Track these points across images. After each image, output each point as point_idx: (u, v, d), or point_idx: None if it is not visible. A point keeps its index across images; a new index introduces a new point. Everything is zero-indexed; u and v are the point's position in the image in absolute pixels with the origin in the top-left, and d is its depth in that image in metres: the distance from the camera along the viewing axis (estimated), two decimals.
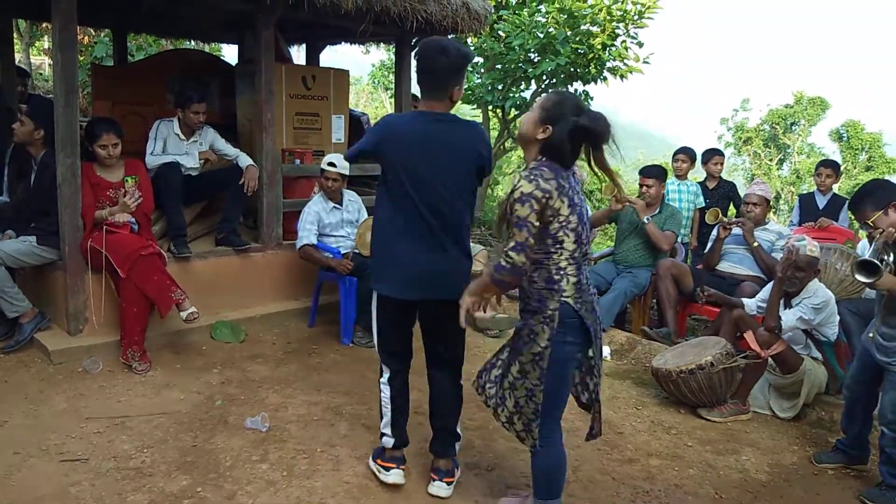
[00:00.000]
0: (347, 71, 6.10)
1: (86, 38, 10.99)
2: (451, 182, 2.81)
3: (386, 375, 3.07)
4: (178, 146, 4.97)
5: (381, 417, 3.11)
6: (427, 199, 2.79)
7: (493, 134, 9.59)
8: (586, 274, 2.60)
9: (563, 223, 2.48)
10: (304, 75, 5.79)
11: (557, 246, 2.50)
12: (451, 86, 2.81)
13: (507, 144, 9.75)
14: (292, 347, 4.80)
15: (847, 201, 5.98)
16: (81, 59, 10.67)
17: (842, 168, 27.52)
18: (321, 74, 5.90)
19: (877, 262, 2.97)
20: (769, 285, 4.23)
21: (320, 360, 4.58)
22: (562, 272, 2.51)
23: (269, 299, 5.27)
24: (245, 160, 5.10)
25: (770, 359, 3.95)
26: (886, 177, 27.77)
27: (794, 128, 31.03)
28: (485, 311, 2.73)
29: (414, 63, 2.82)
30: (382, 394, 3.08)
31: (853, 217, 3.30)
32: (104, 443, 3.33)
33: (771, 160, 30.91)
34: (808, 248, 3.94)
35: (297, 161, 5.51)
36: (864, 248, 4.22)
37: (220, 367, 4.36)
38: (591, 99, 9.05)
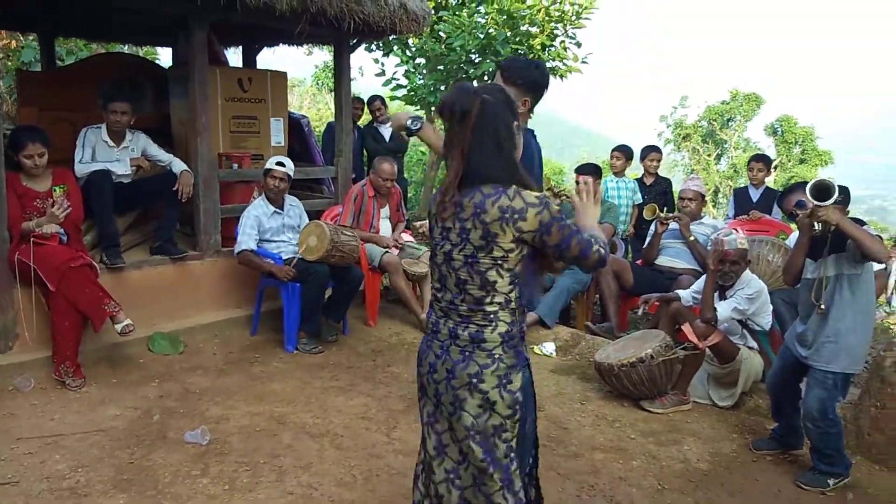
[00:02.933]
0: (285, 73, 6.01)
1: (13, 42, 10.57)
2: None
3: None
4: (107, 153, 4.81)
5: None
6: None
7: None
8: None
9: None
10: (240, 78, 5.68)
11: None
12: None
13: None
14: (234, 357, 4.70)
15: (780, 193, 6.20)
16: (9, 64, 10.27)
17: (775, 162, 28.29)
18: (258, 77, 5.80)
19: (834, 185, 2.98)
20: (703, 277, 4.33)
21: (263, 369, 4.50)
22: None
23: (208, 308, 5.14)
24: (179, 166, 4.97)
25: (707, 349, 4.04)
26: (818, 169, 28.93)
27: (730, 123, 31.95)
28: None
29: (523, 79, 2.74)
30: None
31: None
32: (36, 463, 3.21)
33: (709, 155, 31.76)
34: (738, 242, 4.05)
35: (235, 165, 5.40)
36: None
37: (159, 380, 4.24)
38: None
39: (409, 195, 11.64)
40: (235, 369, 4.49)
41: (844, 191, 4.39)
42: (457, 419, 1.98)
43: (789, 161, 29.10)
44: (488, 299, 1.94)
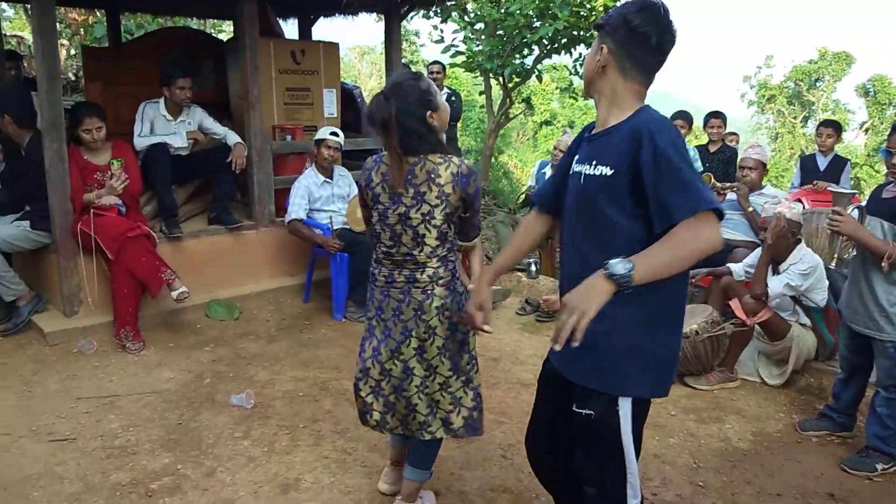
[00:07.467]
0: (337, 44, 6.05)
1: (90, 18, 11.02)
2: None
3: None
4: (165, 126, 4.98)
5: None
6: None
7: (496, 103, 9.48)
8: None
9: None
10: (293, 50, 5.76)
11: None
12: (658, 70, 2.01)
13: (511, 113, 9.63)
14: (285, 324, 4.85)
15: (848, 161, 5.87)
16: (88, 40, 10.72)
17: (867, 124, 26.58)
18: (311, 48, 5.87)
19: None
20: (757, 250, 4.16)
21: (311, 336, 4.63)
22: None
23: (263, 276, 5.31)
24: (233, 138, 5.11)
25: (758, 326, 3.90)
26: None
27: (818, 84, 30.28)
28: None
29: (629, 28, 1.89)
30: None
31: (888, 140, 3.24)
32: (92, 422, 3.42)
33: (795, 118, 30.26)
34: (789, 214, 3.87)
35: (288, 137, 5.50)
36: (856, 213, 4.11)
37: (213, 346, 4.43)
38: None
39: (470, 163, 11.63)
40: (285, 336, 4.64)
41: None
42: (430, 343, 2.44)
43: (882, 124, 27.38)
44: (440, 247, 2.40)
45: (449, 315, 2.43)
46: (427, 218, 2.34)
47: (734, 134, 7.23)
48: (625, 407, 1.92)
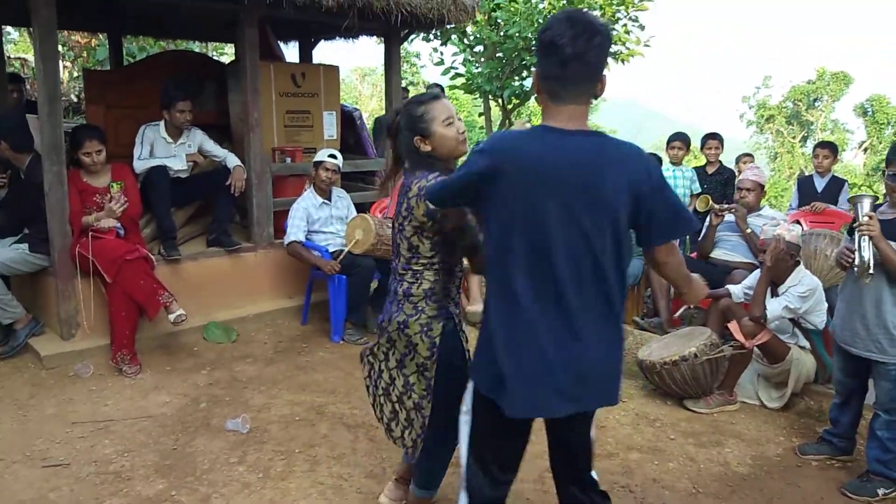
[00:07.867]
0: (337, 67, 6.09)
1: (93, 41, 11.13)
2: (598, 234, 1.89)
3: None
4: (165, 149, 5.00)
5: None
6: (561, 259, 1.89)
7: (495, 125, 9.54)
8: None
9: None
10: (293, 73, 5.79)
11: None
12: (600, 77, 1.92)
13: None
14: (283, 346, 4.83)
15: (846, 182, 5.89)
16: (91, 62, 10.82)
17: (865, 144, 26.67)
18: (311, 71, 5.90)
19: None
20: (756, 272, 4.16)
21: (308, 359, 4.61)
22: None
23: (261, 298, 5.30)
24: (233, 161, 5.12)
25: (757, 348, 3.89)
26: None
27: (816, 104, 30.45)
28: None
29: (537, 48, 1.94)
30: None
31: (886, 166, 3.19)
32: (87, 447, 3.39)
33: (794, 138, 30.38)
34: (788, 236, 3.87)
35: (288, 159, 5.52)
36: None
37: (210, 369, 4.41)
38: None
39: None
40: (282, 358, 4.61)
41: None
42: (391, 353, 2.52)
43: (881, 143, 27.48)
44: (414, 260, 2.41)
45: (409, 333, 2.41)
46: (400, 229, 2.43)
47: (749, 155, 7.32)
48: (470, 386, 2.18)
